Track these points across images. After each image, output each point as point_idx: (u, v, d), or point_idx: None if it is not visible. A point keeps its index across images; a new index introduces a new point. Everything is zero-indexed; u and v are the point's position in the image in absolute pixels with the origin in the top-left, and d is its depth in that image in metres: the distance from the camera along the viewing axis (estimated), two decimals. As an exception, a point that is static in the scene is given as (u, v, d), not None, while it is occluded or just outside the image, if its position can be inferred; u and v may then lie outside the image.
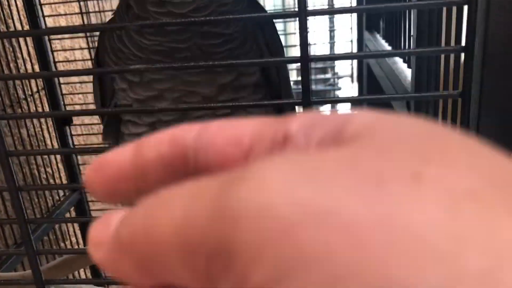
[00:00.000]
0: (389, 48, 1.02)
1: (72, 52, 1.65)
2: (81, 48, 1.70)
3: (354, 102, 0.50)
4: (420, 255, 0.10)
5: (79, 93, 1.68)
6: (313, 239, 0.11)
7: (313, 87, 1.88)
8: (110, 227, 0.18)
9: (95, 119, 1.71)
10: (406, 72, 0.84)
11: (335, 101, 0.48)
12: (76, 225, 1.59)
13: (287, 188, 0.12)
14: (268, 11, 0.59)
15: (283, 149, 0.18)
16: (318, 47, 1.94)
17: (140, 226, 0.16)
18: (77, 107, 1.68)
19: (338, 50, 1.82)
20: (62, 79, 1.52)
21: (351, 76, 1.93)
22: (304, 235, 0.11)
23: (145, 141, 0.20)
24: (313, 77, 1.86)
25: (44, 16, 1.36)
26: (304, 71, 0.41)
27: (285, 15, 0.41)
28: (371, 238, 0.11)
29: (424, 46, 0.70)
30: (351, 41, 1.48)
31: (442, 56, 0.61)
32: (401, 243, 0.11)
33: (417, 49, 0.37)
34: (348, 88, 2.02)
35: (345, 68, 2.00)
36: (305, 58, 0.40)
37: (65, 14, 1.61)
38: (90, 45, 1.66)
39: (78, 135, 1.64)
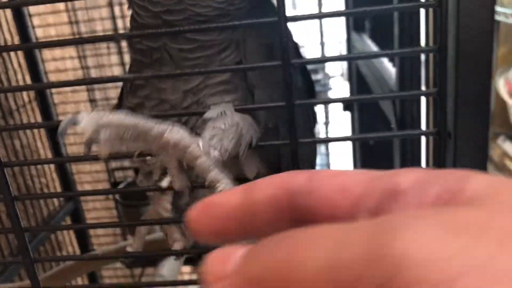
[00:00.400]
0: (375, 47, 1.04)
1: (63, 62, 1.66)
2: (72, 58, 1.70)
3: (337, 101, 0.51)
4: None
5: (71, 102, 1.68)
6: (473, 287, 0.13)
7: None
8: (231, 263, 0.18)
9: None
10: (391, 71, 0.86)
11: (318, 102, 0.49)
12: (72, 234, 1.59)
13: (442, 242, 0.14)
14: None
15: (394, 204, 0.19)
16: (309, 48, 1.96)
17: (275, 263, 0.17)
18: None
19: (328, 51, 1.84)
20: (53, 89, 1.53)
21: (343, 75, 1.95)
22: (465, 283, 0.13)
23: (256, 183, 0.22)
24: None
25: (33, 27, 1.36)
26: (286, 76, 0.42)
27: (264, 22, 0.42)
28: None
29: (406, 46, 0.72)
30: (340, 42, 1.50)
31: (423, 55, 0.63)
32: None
33: (395, 51, 0.38)
34: (340, 87, 2.04)
35: (336, 69, 2.02)
36: (286, 64, 0.41)
37: (55, 25, 1.62)
38: (81, 53, 1.67)
39: (71, 144, 1.65)
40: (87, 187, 1.73)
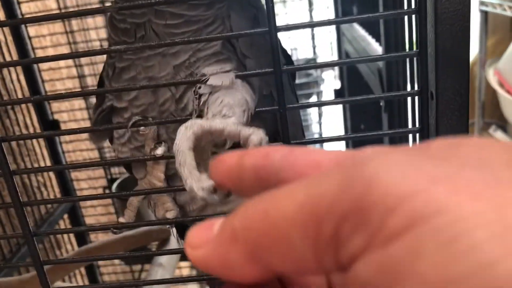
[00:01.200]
0: (363, 31, 1.06)
1: (57, 62, 1.66)
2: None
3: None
4: None
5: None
6: (434, 196, 0.14)
7: (296, 80, 1.91)
8: (212, 229, 0.20)
9: (83, 122, 1.72)
10: (379, 51, 0.88)
11: (308, 106, 0.50)
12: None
13: (407, 162, 0.15)
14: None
15: None
16: (300, 36, 1.97)
17: (257, 213, 0.18)
18: (64, 115, 1.70)
19: (318, 41, 1.86)
20: (48, 87, 1.54)
21: (334, 70, 1.97)
22: (429, 192, 0.14)
23: (248, 151, 0.24)
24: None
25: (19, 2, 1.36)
26: (278, 82, 0.44)
27: (255, 33, 0.44)
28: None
29: (390, 26, 0.74)
30: (330, 31, 1.52)
31: (406, 32, 0.64)
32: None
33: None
34: (331, 78, 2.06)
35: (328, 59, 2.04)
36: (278, 70, 0.43)
37: (50, 34, 1.63)
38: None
39: (67, 142, 1.66)
40: (83, 184, 1.74)
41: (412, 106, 0.64)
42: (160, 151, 0.49)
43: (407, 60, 0.66)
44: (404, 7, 0.61)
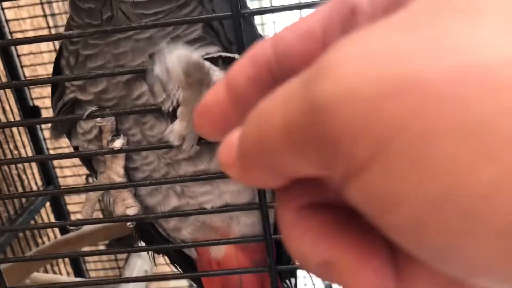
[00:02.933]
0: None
1: (37, 45, 1.62)
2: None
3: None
4: None
5: (46, 84, 1.64)
6: (396, 109, 0.13)
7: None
8: (233, 149, 0.20)
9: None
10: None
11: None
12: (52, 219, 1.57)
13: (362, 69, 0.14)
14: None
15: (355, 24, 0.19)
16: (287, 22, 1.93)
17: (252, 134, 0.18)
18: (46, 101, 1.65)
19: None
20: (27, 72, 1.50)
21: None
22: (390, 106, 0.13)
23: (230, 74, 0.22)
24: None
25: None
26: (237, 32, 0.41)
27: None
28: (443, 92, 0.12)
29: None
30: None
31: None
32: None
33: None
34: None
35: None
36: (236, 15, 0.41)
37: (30, 17, 1.58)
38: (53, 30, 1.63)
39: (48, 129, 1.62)
40: (67, 172, 1.71)
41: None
42: (118, 143, 0.46)
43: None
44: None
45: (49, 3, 1.59)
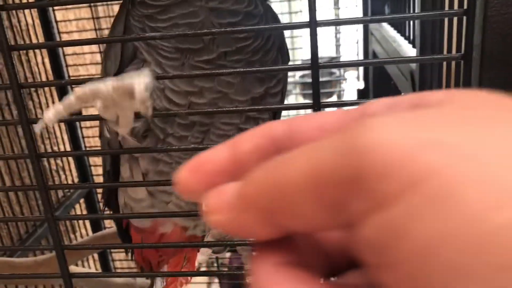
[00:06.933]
0: (394, 32, 1.04)
1: (81, 46, 1.67)
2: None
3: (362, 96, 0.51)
4: None
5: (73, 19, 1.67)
6: (426, 161, 0.15)
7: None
8: (227, 195, 0.20)
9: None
10: (411, 53, 0.85)
11: (343, 104, 0.49)
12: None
13: (400, 128, 0.16)
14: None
15: None
16: (324, 36, 1.95)
17: (266, 181, 0.19)
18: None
19: (344, 40, 1.83)
20: (71, 72, 1.55)
21: (358, 69, 1.94)
22: (421, 158, 0.15)
23: (240, 137, 0.23)
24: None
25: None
26: (314, 78, 0.43)
27: (295, 26, 0.43)
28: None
29: (428, 27, 0.72)
30: (357, 30, 1.49)
31: (445, 33, 0.62)
32: None
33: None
34: (353, 78, 2.03)
35: (352, 58, 2.01)
36: (315, 66, 0.42)
37: (76, 19, 1.63)
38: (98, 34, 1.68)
39: (87, 127, 1.67)
40: (100, 170, 1.74)
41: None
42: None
43: (444, 63, 0.64)
44: (445, 8, 0.59)
45: (95, 6, 1.65)
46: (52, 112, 0.42)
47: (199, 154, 0.23)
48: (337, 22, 0.42)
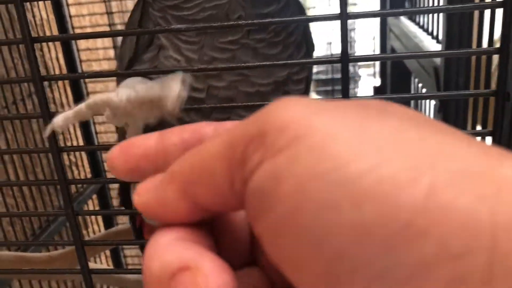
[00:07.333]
0: (415, 27, 1.01)
1: (94, 41, 1.67)
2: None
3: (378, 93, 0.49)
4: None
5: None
6: (312, 122, 0.18)
7: (334, 75, 1.87)
8: (157, 178, 0.22)
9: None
10: (434, 48, 0.83)
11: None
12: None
13: (301, 103, 0.19)
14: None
15: None
16: (337, 32, 1.93)
17: (191, 154, 0.21)
18: (99, 96, 1.70)
19: (358, 37, 1.80)
20: (84, 67, 1.54)
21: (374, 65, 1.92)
22: (309, 120, 0.18)
23: (171, 129, 0.25)
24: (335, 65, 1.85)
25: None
26: (344, 72, 0.41)
27: (325, 18, 0.41)
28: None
29: (455, 21, 0.70)
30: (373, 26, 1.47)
31: (475, 27, 0.60)
32: None
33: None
34: (368, 75, 2.01)
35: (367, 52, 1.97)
36: (345, 59, 0.41)
37: (89, 14, 1.63)
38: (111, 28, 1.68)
39: (99, 123, 1.66)
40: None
41: (473, 107, 0.60)
42: None
43: (472, 58, 0.62)
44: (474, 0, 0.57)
45: (108, 1, 1.65)
46: (61, 117, 0.42)
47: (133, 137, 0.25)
48: (368, 14, 0.40)
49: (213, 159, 0.20)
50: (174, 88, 0.39)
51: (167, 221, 0.22)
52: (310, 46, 0.58)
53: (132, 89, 0.40)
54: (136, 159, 0.25)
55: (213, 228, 0.24)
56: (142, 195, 0.22)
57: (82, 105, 0.42)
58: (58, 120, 0.42)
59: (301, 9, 0.57)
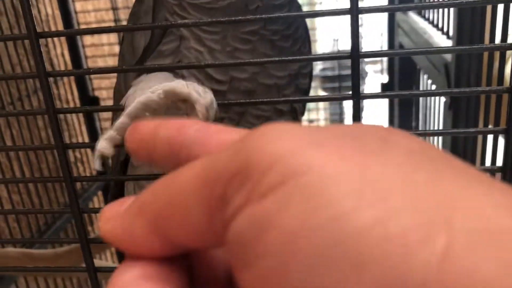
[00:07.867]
0: (425, 22, 1.00)
1: (99, 36, 1.66)
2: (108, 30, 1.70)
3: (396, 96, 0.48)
4: None
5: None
6: (305, 158, 0.15)
7: (341, 72, 1.86)
8: (124, 205, 0.21)
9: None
10: (444, 44, 0.82)
11: (382, 96, 0.46)
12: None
13: (289, 132, 0.17)
14: None
15: None
16: (344, 27, 1.91)
17: (161, 187, 0.20)
18: (103, 92, 1.70)
19: (365, 33, 1.79)
20: (89, 63, 1.54)
21: (382, 62, 1.90)
22: (301, 155, 0.15)
23: (167, 121, 0.24)
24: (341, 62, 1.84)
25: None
26: (355, 68, 0.40)
27: (336, 12, 0.40)
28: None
29: (467, 16, 0.68)
30: (380, 22, 1.45)
31: (488, 18, 0.59)
32: None
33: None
34: (374, 71, 1.99)
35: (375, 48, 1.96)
36: (356, 55, 0.40)
37: (94, 10, 1.62)
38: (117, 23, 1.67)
39: (105, 119, 1.66)
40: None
41: (485, 105, 0.59)
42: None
43: (484, 54, 0.60)
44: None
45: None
46: (105, 140, 0.40)
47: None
48: (379, 9, 0.39)
49: (187, 195, 0.18)
50: (207, 96, 0.37)
51: (135, 254, 0.20)
52: (309, 42, 0.60)
53: (165, 83, 0.39)
54: (136, 142, 0.25)
55: (189, 260, 0.22)
56: (107, 221, 0.21)
57: (123, 118, 0.40)
58: (102, 145, 0.40)
59: (299, 5, 0.58)
